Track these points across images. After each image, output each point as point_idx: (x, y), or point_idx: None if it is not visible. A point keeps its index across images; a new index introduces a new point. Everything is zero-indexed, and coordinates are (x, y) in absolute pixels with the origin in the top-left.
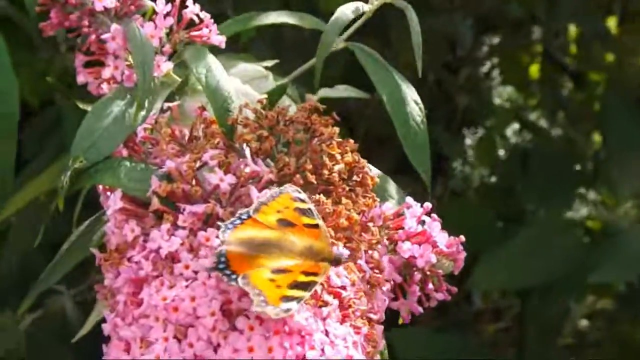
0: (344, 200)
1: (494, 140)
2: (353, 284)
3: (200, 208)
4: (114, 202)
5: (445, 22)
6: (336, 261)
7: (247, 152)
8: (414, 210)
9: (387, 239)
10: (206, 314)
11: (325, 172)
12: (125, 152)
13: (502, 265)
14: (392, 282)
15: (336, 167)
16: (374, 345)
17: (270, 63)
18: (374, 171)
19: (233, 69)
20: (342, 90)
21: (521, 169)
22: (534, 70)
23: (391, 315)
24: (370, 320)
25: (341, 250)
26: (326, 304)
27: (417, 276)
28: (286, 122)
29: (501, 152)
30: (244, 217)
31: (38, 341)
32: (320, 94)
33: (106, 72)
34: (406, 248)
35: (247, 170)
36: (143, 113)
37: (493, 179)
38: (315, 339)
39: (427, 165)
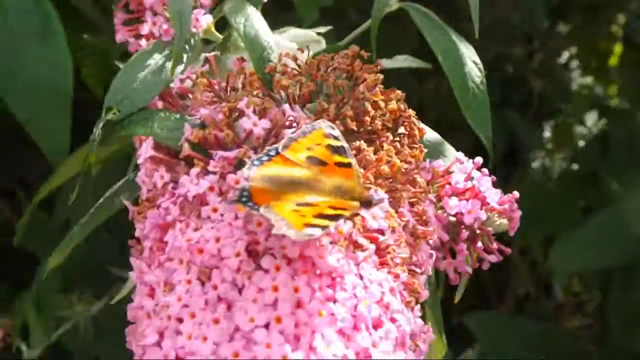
0: (386, 146)
1: (572, 128)
2: (393, 231)
3: (232, 153)
4: (145, 151)
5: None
6: (367, 202)
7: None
8: (465, 166)
9: (436, 196)
10: (231, 255)
11: (367, 119)
12: (160, 105)
13: (579, 247)
14: (439, 241)
15: (379, 115)
16: (416, 295)
17: (324, 29)
18: (427, 132)
19: (284, 34)
20: (401, 61)
21: (602, 154)
22: (613, 56)
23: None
24: (412, 271)
25: (374, 193)
26: (361, 247)
27: (465, 234)
28: (327, 69)
29: (581, 141)
30: (272, 153)
31: (105, 327)
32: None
33: (144, 28)
34: (453, 204)
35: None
36: (181, 67)
37: (574, 167)
38: (347, 282)
39: (487, 128)
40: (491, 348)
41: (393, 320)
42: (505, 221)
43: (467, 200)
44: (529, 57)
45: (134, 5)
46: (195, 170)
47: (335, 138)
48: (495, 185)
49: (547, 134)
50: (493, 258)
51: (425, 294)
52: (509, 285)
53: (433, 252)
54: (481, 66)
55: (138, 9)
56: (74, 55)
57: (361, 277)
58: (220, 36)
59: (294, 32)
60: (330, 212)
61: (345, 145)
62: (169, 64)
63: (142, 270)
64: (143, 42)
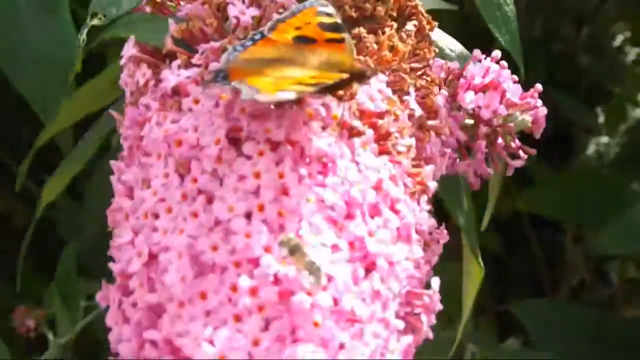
0: (388, 31)
1: (626, 109)
2: (396, 119)
3: (216, 43)
4: (127, 49)
5: None
6: (358, 74)
7: None
8: (483, 64)
9: (451, 97)
10: (210, 143)
11: (368, 6)
12: (148, 11)
13: (632, 228)
14: (456, 142)
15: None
16: (422, 188)
17: None
18: (452, 42)
19: None
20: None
21: None
22: None
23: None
24: (420, 165)
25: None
26: (357, 133)
27: (483, 130)
28: None
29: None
30: (256, 37)
31: None
32: None
33: None
34: (469, 99)
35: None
36: None
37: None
38: (340, 167)
39: (514, 39)
40: (541, 337)
41: (394, 210)
42: (528, 117)
43: (484, 93)
44: (578, 34)
45: None
46: (177, 62)
47: (329, 15)
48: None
49: (601, 119)
50: (517, 163)
51: (433, 185)
52: (563, 274)
53: (447, 150)
54: None
55: None
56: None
57: (357, 164)
58: None
59: None
60: (311, 81)
61: (339, 21)
62: None
63: (121, 169)
64: None
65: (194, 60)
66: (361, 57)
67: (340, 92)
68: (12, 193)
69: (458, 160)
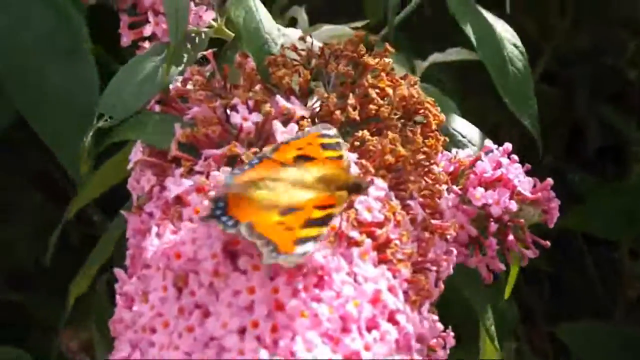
0: (390, 134)
1: None
2: (397, 224)
3: (218, 151)
4: (134, 154)
5: None
6: (355, 187)
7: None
8: (494, 155)
9: (462, 188)
10: (207, 257)
11: (373, 107)
12: (158, 109)
13: None
14: (467, 237)
15: (387, 103)
16: (424, 294)
17: (360, 23)
18: (457, 121)
19: (318, 31)
20: (454, 54)
21: None
22: None
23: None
24: (424, 269)
25: (364, 178)
26: (355, 243)
27: (494, 227)
28: (330, 57)
29: None
30: (254, 162)
31: None
32: (431, 60)
33: (147, 30)
34: (479, 195)
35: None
36: (180, 68)
37: None
38: (336, 280)
39: (532, 113)
40: None
41: (393, 321)
42: (539, 211)
43: (494, 189)
44: (626, 46)
45: (140, 5)
46: (179, 171)
47: (330, 137)
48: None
49: None
50: (530, 253)
51: (436, 292)
52: (619, 292)
53: (453, 248)
54: (523, 49)
55: (143, 10)
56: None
57: (355, 275)
58: (232, 34)
59: (328, 28)
60: (318, 214)
61: (341, 141)
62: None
63: (123, 280)
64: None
65: (197, 168)
66: (363, 161)
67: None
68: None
69: (470, 256)
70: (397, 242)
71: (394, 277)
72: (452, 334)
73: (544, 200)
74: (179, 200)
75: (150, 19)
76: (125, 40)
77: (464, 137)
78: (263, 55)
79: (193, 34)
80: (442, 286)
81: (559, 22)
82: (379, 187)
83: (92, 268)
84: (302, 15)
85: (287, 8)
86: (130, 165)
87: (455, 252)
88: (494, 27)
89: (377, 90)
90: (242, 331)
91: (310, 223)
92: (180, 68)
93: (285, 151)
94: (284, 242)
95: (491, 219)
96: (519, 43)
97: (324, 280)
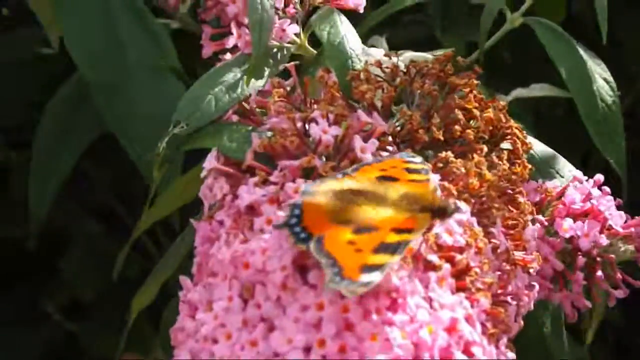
0: (476, 157)
1: None
2: (478, 252)
3: (295, 162)
4: (208, 162)
5: None
6: (441, 211)
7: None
8: (584, 186)
9: (549, 220)
10: (276, 269)
11: (457, 128)
12: (235, 120)
13: None
14: (552, 271)
15: (473, 126)
16: (503, 328)
17: (443, 51)
18: (536, 145)
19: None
20: (538, 89)
21: None
22: None
23: None
24: (503, 302)
25: (452, 202)
26: (433, 267)
27: (582, 261)
28: (414, 75)
29: None
30: (339, 177)
31: None
32: (514, 95)
33: (230, 41)
34: (567, 226)
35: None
36: (260, 82)
37: None
38: (410, 304)
39: (620, 153)
40: None
41: (468, 352)
42: (631, 248)
43: (584, 222)
44: None
45: (224, 17)
46: (253, 180)
47: (416, 163)
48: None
49: None
50: (619, 293)
51: (515, 327)
52: None
53: (535, 283)
54: (614, 85)
55: (227, 22)
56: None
57: (430, 301)
58: (314, 51)
59: (410, 54)
60: (394, 238)
61: (428, 167)
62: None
63: (188, 287)
64: (228, 56)
65: (272, 178)
66: (446, 183)
67: None
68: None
69: (554, 290)
70: (477, 270)
71: (472, 306)
72: None
73: (637, 237)
74: (251, 209)
75: (233, 30)
76: (207, 51)
77: (551, 167)
78: (346, 71)
79: (275, 49)
80: (522, 322)
81: None
82: (461, 210)
83: (155, 282)
84: (382, 44)
85: (368, 37)
86: (203, 174)
87: (537, 287)
88: (585, 60)
89: (464, 112)
90: (307, 349)
91: (383, 248)
92: (261, 82)
93: (368, 171)
94: (351, 265)
95: (579, 253)
96: (610, 78)
97: (397, 303)
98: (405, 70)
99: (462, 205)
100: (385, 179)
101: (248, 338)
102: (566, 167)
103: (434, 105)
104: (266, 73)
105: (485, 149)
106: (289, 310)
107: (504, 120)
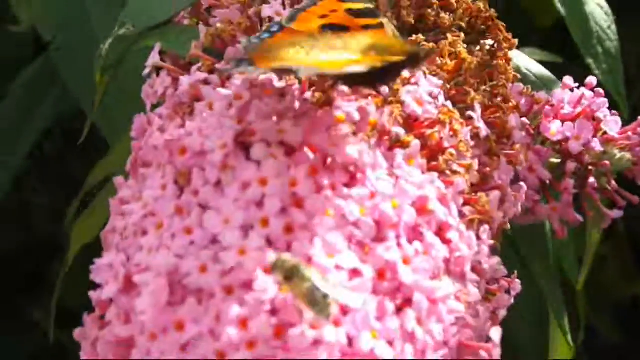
0: (450, 37)
1: None
2: (454, 134)
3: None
4: (151, 58)
5: None
6: (413, 57)
7: None
8: (575, 94)
9: (535, 129)
10: (215, 147)
11: (430, 13)
12: (187, 23)
13: None
14: (538, 181)
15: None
16: (484, 214)
17: None
18: (534, 65)
19: None
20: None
21: None
22: None
23: None
24: (486, 190)
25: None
26: (400, 144)
27: (572, 166)
28: None
29: None
30: (274, 29)
31: None
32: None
33: None
34: (555, 129)
35: None
36: None
37: None
38: (371, 178)
39: (618, 79)
40: None
41: (442, 238)
42: (628, 156)
43: (574, 122)
44: None
45: None
46: (196, 67)
47: (355, 1)
48: None
49: None
50: (615, 213)
51: (499, 216)
52: None
53: (522, 183)
54: (608, 10)
55: None
56: None
57: (396, 178)
58: None
59: None
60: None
61: (371, 6)
62: None
63: (120, 184)
64: None
65: (218, 66)
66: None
67: (387, 93)
68: None
69: (541, 203)
70: (453, 151)
71: (447, 188)
72: (517, 280)
73: (636, 145)
74: (191, 95)
75: None
76: None
77: (528, 70)
78: None
79: None
80: (508, 225)
81: None
82: (432, 82)
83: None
84: None
85: None
86: (146, 71)
87: (525, 187)
88: None
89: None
90: (246, 230)
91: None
92: None
93: (307, 20)
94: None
95: (569, 158)
96: (603, 4)
97: (356, 179)
98: None
99: (433, 78)
100: (331, 28)
101: (181, 225)
102: (549, 77)
103: None
104: None
105: (463, 36)
106: (227, 190)
107: (484, 10)
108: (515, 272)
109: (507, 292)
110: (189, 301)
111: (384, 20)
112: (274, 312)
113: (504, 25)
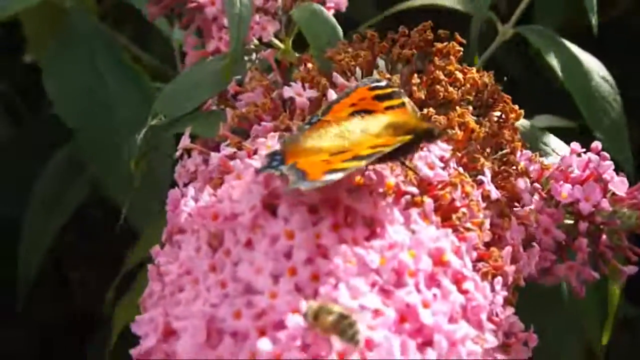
0: (458, 109)
1: None
2: (465, 195)
3: (268, 124)
4: (182, 142)
5: None
6: (428, 134)
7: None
8: (583, 158)
9: (547, 193)
10: (244, 210)
11: (440, 88)
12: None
13: None
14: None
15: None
16: (497, 269)
17: None
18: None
19: None
20: (543, 120)
21: None
22: None
23: None
24: (500, 245)
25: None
26: (415, 203)
27: (584, 226)
28: (393, 42)
29: None
30: (313, 120)
31: None
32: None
33: (210, 45)
34: (566, 192)
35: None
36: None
37: None
38: (389, 231)
39: (625, 148)
40: None
41: (459, 288)
42: (637, 213)
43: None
44: None
45: (203, 25)
46: (225, 144)
47: (382, 88)
48: None
49: None
50: (630, 269)
51: (511, 270)
52: None
53: (535, 244)
54: (613, 82)
55: (207, 28)
56: None
57: (412, 232)
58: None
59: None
60: (367, 151)
61: (397, 89)
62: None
63: (156, 253)
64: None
65: (245, 143)
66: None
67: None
68: None
69: (558, 263)
70: (465, 210)
71: (459, 240)
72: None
73: None
74: (222, 169)
75: (214, 34)
76: (190, 59)
77: (545, 144)
78: (324, 40)
79: (253, 46)
80: (522, 282)
81: None
82: (442, 147)
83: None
84: None
85: None
86: (177, 153)
87: (537, 248)
88: (580, 59)
89: (447, 76)
90: (277, 278)
91: (354, 158)
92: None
93: (339, 110)
94: (317, 172)
95: (581, 219)
96: (608, 76)
97: (376, 233)
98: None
99: (443, 145)
100: (359, 113)
101: (215, 279)
102: (560, 145)
103: (414, 69)
104: (247, 67)
105: (471, 109)
106: (257, 246)
107: (489, 84)
108: (532, 325)
109: (525, 344)
110: (225, 340)
111: (406, 100)
112: (304, 347)
113: (510, 97)
